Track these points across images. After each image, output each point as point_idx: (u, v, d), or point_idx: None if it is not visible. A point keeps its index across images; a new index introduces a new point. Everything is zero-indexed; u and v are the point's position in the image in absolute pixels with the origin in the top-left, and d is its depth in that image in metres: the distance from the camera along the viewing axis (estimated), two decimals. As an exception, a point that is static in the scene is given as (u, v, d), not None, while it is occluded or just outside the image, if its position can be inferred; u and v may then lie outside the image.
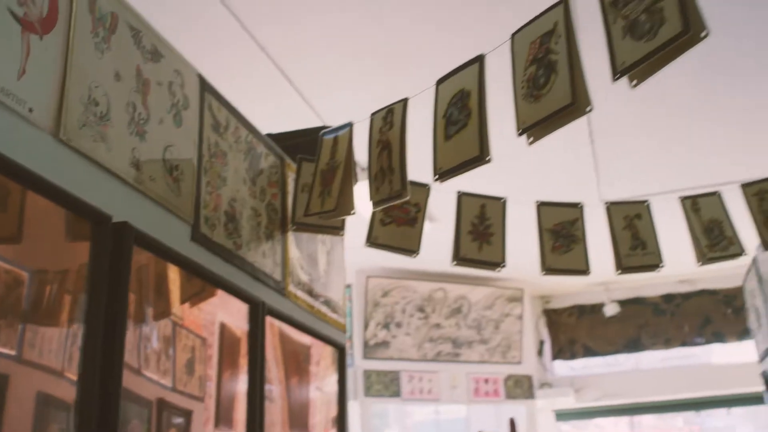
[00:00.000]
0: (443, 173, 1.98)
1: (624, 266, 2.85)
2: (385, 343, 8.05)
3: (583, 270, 2.83)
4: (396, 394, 7.93)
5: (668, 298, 8.51)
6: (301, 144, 2.89)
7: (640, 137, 5.30)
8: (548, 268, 2.82)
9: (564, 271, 2.82)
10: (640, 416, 8.95)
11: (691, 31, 1.47)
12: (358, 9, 3.74)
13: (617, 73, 1.58)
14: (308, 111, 4.54)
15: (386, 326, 8.08)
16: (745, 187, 2.94)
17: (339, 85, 4.38)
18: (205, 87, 2.30)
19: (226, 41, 3.84)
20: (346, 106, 4.48)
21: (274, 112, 4.34)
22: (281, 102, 4.41)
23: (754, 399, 7.14)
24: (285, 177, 2.76)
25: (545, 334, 8.89)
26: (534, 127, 1.74)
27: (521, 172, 5.46)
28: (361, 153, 2.34)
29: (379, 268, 7.92)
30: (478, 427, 8.13)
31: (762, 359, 4.38)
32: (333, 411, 2.97)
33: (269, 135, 2.79)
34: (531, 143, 1.78)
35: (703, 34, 1.49)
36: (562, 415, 8.75)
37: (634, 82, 1.60)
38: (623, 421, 8.98)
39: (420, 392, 8.04)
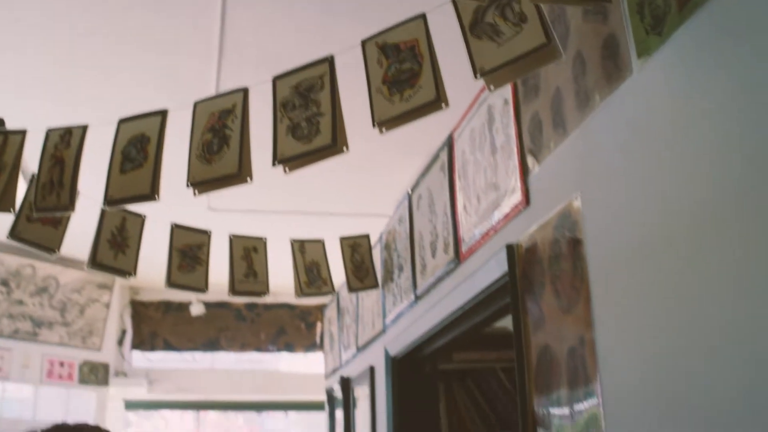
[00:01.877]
0: (112, 201, 2.29)
1: (236, 290, 3.33)
2: (-42, 315, 7.72)
3: (202, 289, 3.25)
4: (-37, 367, 7.62)
5: (251, 306, 9.23)
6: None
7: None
8: (172, 283, 3.20)
9: (186, 287, 3.23)
10: (206, 412, 9.54)
11: (336, 145, 1.98)
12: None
13: (275, 161, 2.05)
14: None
15: (-38, 297, 7.75)
16: (343, 240, 3.59)
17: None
18: None
19: None
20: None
21: None
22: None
23: (314, 406, 8.04)
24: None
25: (129, 325, 9.04)
26: (202, 185, 2.14)
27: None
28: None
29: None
30: (45, 409, 8.07)
31: (327, 377, 5.15)
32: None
33: None
34: (196, 195, 2.18)
35: (345, 149, 2.01)
36: (132, 405, 8.99)
37: (287, 170, 2.07)
38: (189, 415, 9.48)
39: (-11, 369, 7.79)
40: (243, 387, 9.09)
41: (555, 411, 2.00)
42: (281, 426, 9.86)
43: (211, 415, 9.68)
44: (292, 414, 9.72)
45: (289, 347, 9.18)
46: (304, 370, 9.11)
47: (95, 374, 8.51)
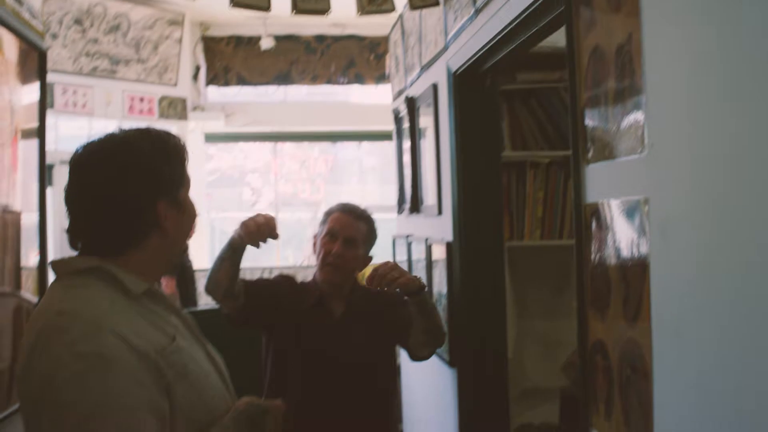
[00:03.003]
0: None
1: (299, 9, 3.37)
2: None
3: (265, 7, 3.30)
4: (49, 105, 7.91)
5: (320, 38, 9.25)
6: None
7: None
8: (236, 2, 3.26)
9: (249, 6, 3.29)
10: (282, 144, 9.91)
11: None
12: None
13: None
14: None
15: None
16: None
17: None
18: None
19: None
20: None
21: None
22: None
23: (383, 136, 8.25)
24: None
25: (202, 60, 9.20)
26: None
27: None
28: None
29: (38, -26, 7.58)
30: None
31: (395, 99, 5.29)
32: (25, 121, 3.17)
33: None
34: None
35: None
36: (211, 138, 9.38)
37: None
38: (266, 146, 9.88)
39: (74, 106, 8.08)
40: (315, 119, 9.34)
41: (603, 124, 2.09)
42: (353, 155, 10.24)
43: (288, 146, 10.06)
44: (365, 144, 10.05)
45: (360, 79, 9.29)
46: (374, 101, 9.26)
47: (174, 108, 8.80)
